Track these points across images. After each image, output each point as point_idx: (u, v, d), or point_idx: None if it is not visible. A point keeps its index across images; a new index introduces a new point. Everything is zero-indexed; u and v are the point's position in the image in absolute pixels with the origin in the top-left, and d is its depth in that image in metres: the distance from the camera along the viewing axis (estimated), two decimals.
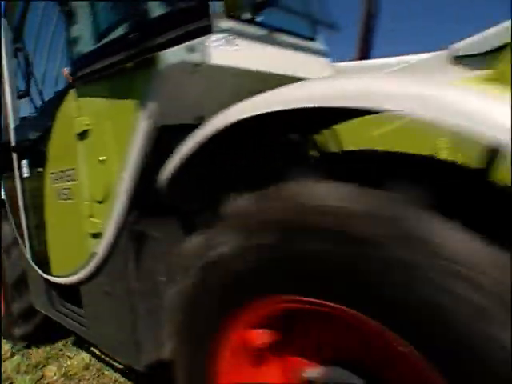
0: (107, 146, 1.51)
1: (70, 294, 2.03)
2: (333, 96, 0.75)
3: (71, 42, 1.57)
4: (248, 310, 1.02)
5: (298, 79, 1.72)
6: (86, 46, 1.50)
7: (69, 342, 2.84)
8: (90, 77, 1.49)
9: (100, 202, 1.59)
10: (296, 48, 1.75)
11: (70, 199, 1.79)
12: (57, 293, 2.22)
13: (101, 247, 1.59)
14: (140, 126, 1.31)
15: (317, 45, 1.86)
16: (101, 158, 1.54)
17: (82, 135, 1.62)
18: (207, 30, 0.96)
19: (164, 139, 1.27)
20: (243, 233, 0.91)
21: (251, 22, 1.53)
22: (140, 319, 1.51)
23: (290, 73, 1.67)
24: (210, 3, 0.95)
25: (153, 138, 1.30)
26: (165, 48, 1.08)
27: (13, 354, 2.75)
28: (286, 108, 0.78)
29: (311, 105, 0.75)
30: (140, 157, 1.35)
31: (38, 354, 2.72)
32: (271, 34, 1.63)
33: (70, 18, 1.53)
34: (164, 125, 1.29)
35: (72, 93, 1.65)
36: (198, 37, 1.00)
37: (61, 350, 2.76)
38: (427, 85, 0.69)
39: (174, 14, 1.06)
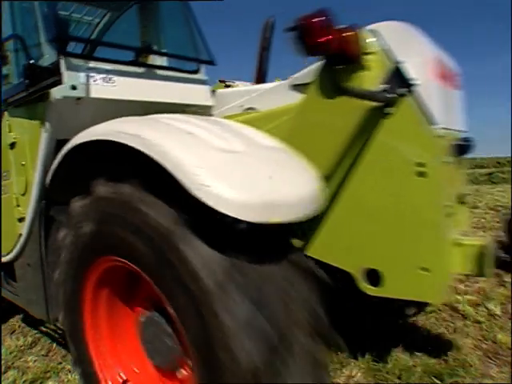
0: (26, 153, 2.06)
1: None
2: (100, 133, 1.31)
3: (3, 76, 2.13)
4: (94, 267, 1.55)
5: (184, 105, 2.28)
6: (12, 80, 2.06)
7: (68, 354, 2.52)
8: (13, 103, 2.05)
9: (23, 195, 2.13)
10: (181, 80, 2.30)
11: (7, 193, 2.33)
12: (4, 272, 2.73)
13: (24, 229, 2.13)
14: (42, 140, 1.86)
15: (199, 76, 2.42)
16: (22, 163, 2.09)
17: (12, 145, 2.17)
18: (59, 82, 1.52)
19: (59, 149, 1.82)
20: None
21: (135, 63, 2.09)
22: (49, 284, 2.03)
23: (175, 100, 2.22)
24: (61, 65, 1.51)
25: (51, 149, 1.85)
26: (39, 92, 1.65)
27: (7, 369, 2.51)
28: (84, 140, 1.35)
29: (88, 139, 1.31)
30: (44, 161, 1.89)
31: (35, 367, 2.53)
32: (157, 71, 2.19)
33: (1, 59, 2.09)
34: (58, 139, 1.84)
35: (6, 113, 2.20)
36: (55, 86, 1.57)
37: (60, 363, 2.57)
38: (143, 127, 1.23)
39: (40, 70, 1.63)
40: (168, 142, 1.10)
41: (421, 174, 1.48)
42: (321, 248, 1.71)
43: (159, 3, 2.60)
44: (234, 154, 1.15)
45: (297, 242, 1.77)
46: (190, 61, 2.38)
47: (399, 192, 1.53)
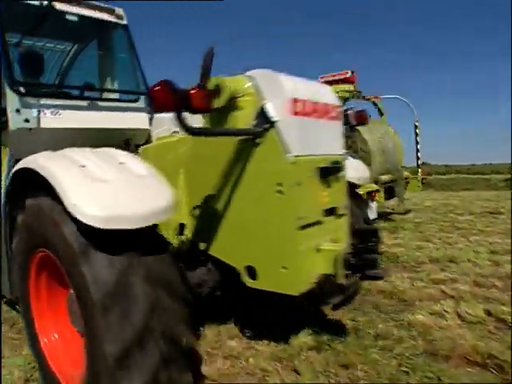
0: None
1: None
2: (27, 161, 1.89)
3: None
4: (34, 257, 2.13)
5: (125, 130, 2.83)
6: None
7: None
8: None
9: None
10: (122, 109, 2.87)
11: None
12: None
13: None
14: (5, 159, 2.46)
15: (139, 104, 2.98)
16: None
17: None
18: (5, 124, 2.12)
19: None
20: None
21: (80, 98, 2.67)
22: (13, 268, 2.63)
23: (117, 126, 2.78)
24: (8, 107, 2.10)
25: (11, 165, 2.44)
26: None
27: (27, 382, 2.35)
28: (18, 168, 1.93)
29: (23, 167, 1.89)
30: (6, 175, 2.48)
31: None
32: (99, 103, 2.76)
33: None
34: (17, 158, 2.43)
35: None
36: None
37: None
38: (48, 159, 1.80)
39: None
40: (59, 170, 1.68)
41: (279, 192, 1.90)
42: (217, 249, 2.29)
43: (114, 44, 3.18)
44: (104, 182, 1.68)
45: (202, 245, 2.35)
46: (130, 94, 2.95)
47: (266, 206, 1.98)
